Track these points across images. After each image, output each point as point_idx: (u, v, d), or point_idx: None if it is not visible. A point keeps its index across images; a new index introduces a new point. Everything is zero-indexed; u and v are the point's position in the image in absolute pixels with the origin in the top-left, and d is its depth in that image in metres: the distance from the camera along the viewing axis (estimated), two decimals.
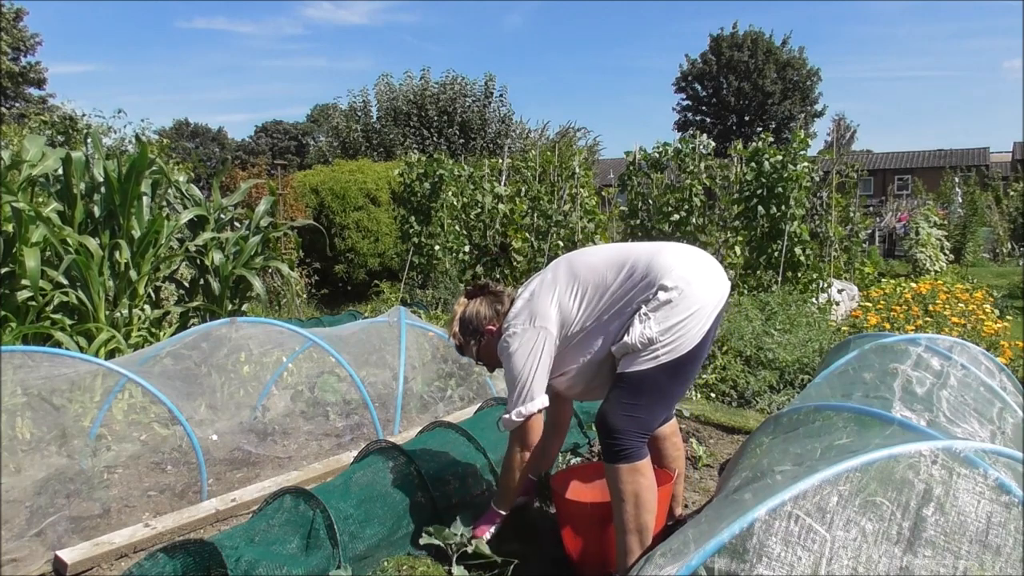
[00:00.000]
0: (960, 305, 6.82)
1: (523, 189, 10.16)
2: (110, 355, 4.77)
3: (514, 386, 2.60)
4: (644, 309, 2.45)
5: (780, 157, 8.14)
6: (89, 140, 6.04)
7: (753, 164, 8.38)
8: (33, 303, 4.70)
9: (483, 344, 2.81)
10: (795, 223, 8.15)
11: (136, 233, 5.44)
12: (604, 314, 2.54)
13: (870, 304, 7.28)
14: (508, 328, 2.65)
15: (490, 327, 2.77)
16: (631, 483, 2.40)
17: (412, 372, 4.67)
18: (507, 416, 2.64)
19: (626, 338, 2.44)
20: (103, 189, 5.38)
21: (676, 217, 8.82)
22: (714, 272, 2.57)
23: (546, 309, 2.60)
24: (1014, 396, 2.89)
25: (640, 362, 2.42)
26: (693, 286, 2.46)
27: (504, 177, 10.80)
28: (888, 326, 6.36)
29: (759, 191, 8.31)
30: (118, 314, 5.21)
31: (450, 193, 10.41)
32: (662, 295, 2.44)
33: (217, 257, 6.07)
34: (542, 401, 2.61)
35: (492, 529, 2.81)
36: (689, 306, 2.43)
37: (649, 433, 2.50)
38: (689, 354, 2.44)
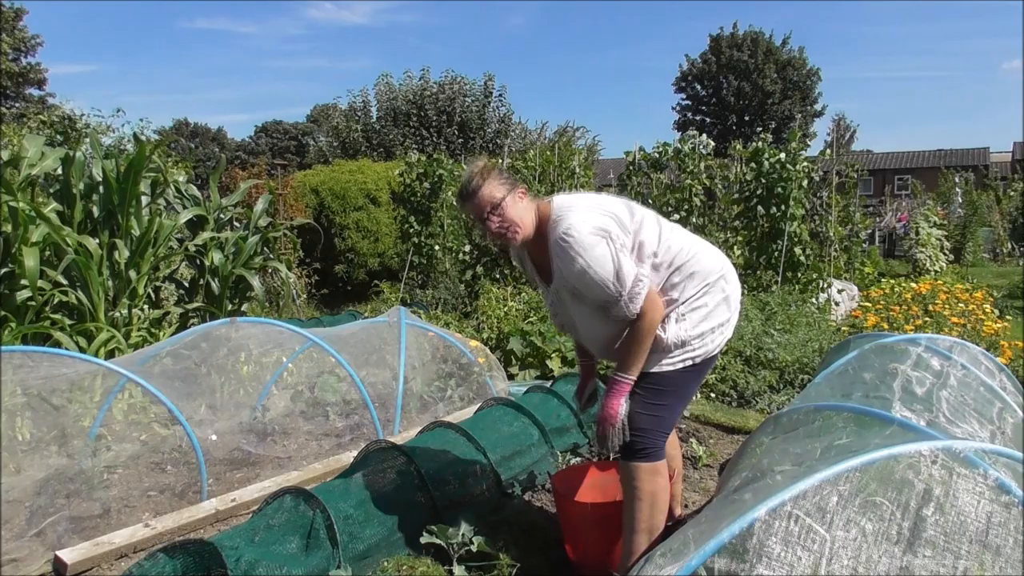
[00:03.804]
0: (960, 305, 6.81)
1: None
2: (110, 355, 4.77)
3: (611, 283, 2.30)
4: (682, 308, 2.43)
5: (780, 157, 8.14)
6: (87, 140, 6.04)
7: (753, 164, 8.38)
8: (32, 303, 4.69)
9: (516, 206, 2.42)
10: (795, 223, 8.14)
11: (135, 233, 5.44)
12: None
13: (870, 304, 7.27)
14: (575, 223, 2.31)
15: (522, 190, 2.46)
16: (650, 483, 2.40)
17: (412, 372, 4.67)
18: (631, 308, 2.33)
19: (660, 333, 2.41)
20: (101, 189, 5.38)
21: (676, 217, 8.80)
22: (737, 281, 2.62)
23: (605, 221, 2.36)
24: (1014, 396, 2.89)
25: (669, 362, 2.42)
26: (734, 294, 2.51)
27: None
28: (888, 326, 6.35)
29: (759, 191, 8.31)
30: (117, 314, 5.20)
31: (450, 193, 10.41)
32: (706, 298, 2.44)
33: (217, 257, 6.07)
34: (644, 273, 2.36)
35: (625, 400, 2.41)
36: (724, 312, 2.48)
37: (669, 432, 2.51)
38: (712, 357, 2.49)
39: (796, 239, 8.15)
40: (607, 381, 2.46)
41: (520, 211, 2.43)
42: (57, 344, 4.55)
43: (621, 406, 2.38)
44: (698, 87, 40.40)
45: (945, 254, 13.32)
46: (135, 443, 4.03)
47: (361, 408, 4.30)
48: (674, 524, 2.90)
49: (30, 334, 4.60)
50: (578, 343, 2.83)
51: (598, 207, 2.41)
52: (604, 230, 2.33)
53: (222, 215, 6.54)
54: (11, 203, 4.69)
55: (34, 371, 3.28)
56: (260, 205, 6.77)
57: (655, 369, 2.42)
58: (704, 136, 9.26)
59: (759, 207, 8.29)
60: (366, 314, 7.56)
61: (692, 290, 2.44)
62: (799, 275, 8.14)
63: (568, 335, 2.74)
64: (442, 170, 10.40)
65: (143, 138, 9.31)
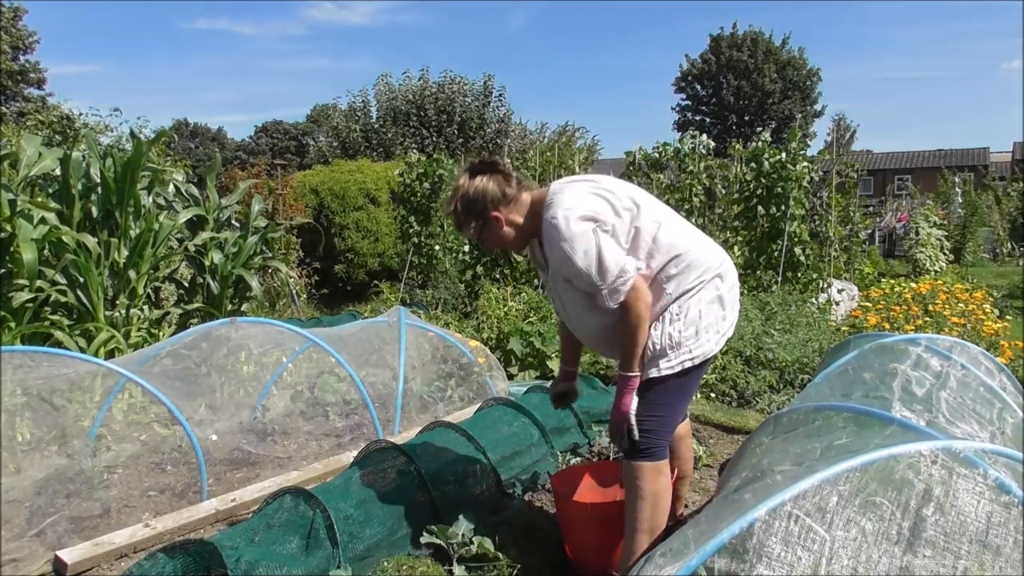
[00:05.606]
0: (960, 305, 6.82)
1: None
2: (110, 355, 4.77)
3: (593, 273, 2.32)
4: (674, 307, 2.39)
5: (780, 157, 8.14)
6: (84, 139, 6.05)
7: (753, 164, 8.38)
8: (31, 303, 4.69)
9: (489, 229, 2.51)
10: (795, 223, 8.14)
11: (134, 232, 5.44)
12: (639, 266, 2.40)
13: (870, 304, 7.27)
14: (561, 210, 2.34)
15: (496, 213, 2.49)
16: (652, 482, 2.39)
17: (412, 372, 4.66)
18: (611, 301, 2.35)
19: (654, 334, 2.39)
20: (100, 189, 5.38)
21: None
22: (734, 280, 2.56)
23: (600, 207, 2.36)
24: (1014, 396, 2.88)
25: (668, 366, 2.39)
26: (729, 294, 2.48)
27: None
28: (888, 326, 6.35)
29: (759, 191, 8.31)
30: (117, 314, 5.20)
31: (450, 193, 10.40)
32: (699, 295, 2.42)
33: (216, 257, 6.07)
34: (632, 265, 2.35)
35: (634, 397, 2.40)
36: (718, 310, 2.45)
37: (673, 431, 2.51)
38: (712, 356, 2.47)
39: (796, 239, 8.15)
40: (618, 381, 2.45)
41: (497, 229, 2.50)
42: (57, 344, 4.55)
43: (632, 403, 2.38)
44: (698, 87, 40.38)
45: (945, 254, 13.31)
46: (135, 443, 4.03)
47: (361, 408, 4.30)
48: (675, 524, 2.91)
49: (29, 334, 4.59)
50: (564, 342, 2.88)
51: (593, 187, 2.43)
52: (592, 216, 2.35)
53: (221, 215, 6.54)
54: (9, 199, 4.69)
55: (34, 371, 3.28)
56: (256, 205, 6.79)
57: (654, 374, 2.40)
58: (704, 136, 9.27)
59: (759, 207, 8.28)
60: (366, 314, 7.56)
61: (687, 285, 2.41)
62: (799, 275, 8.13)
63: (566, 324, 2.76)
64: (442, 170, 10.40)
65: (143, 137, 9.31)
